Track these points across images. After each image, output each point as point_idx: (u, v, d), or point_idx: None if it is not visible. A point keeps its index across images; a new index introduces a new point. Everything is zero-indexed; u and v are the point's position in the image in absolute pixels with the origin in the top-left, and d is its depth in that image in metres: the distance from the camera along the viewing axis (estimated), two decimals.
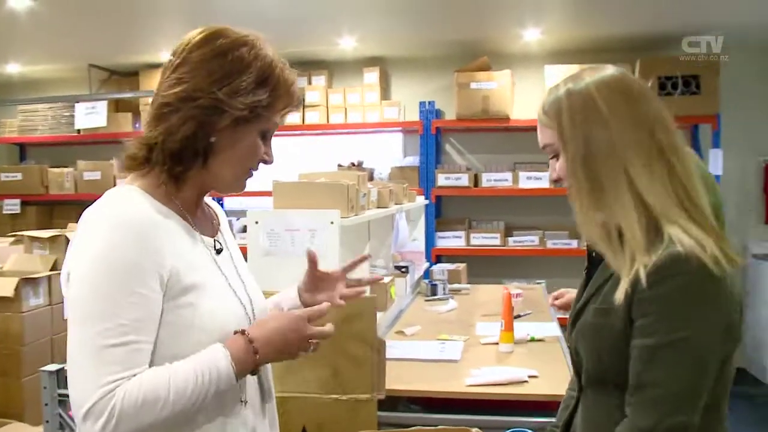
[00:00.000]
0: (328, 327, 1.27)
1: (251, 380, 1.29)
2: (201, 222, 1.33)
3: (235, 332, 1.21)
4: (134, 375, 1.10)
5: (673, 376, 1.06)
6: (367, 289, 1.59)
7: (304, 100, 5.50)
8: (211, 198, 1.43)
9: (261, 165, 1.30)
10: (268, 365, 1.35)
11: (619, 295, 1.11)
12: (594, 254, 1.28)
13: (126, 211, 1.16)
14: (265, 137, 1.28)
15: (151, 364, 1.13)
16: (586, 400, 1.26)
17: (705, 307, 1.08)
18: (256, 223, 2.19)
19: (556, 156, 1.24)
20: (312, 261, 1.48)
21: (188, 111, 1.18)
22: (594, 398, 1.23)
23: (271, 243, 2.18)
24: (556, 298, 2.38)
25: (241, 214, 2.36)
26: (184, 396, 1.11)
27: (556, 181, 1.26)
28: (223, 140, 1.22)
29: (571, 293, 2.25)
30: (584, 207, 1.19)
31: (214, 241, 1.34)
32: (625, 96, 1.18)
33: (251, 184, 1.33)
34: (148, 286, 1.12)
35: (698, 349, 1.07)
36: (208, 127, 1.19)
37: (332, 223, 2.15)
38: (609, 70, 1.23)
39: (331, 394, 1.96)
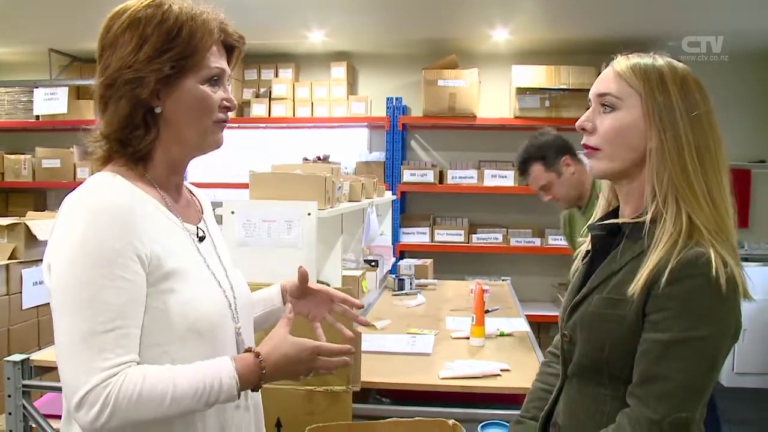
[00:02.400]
0: (338, 360, 1.30)
1: None
2: (183, 209, 1.33)
3: (247, 350, 1.23)
4: (126, 362, 1.10)
5: (684, 372, 1.10)
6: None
7: (270, 92, 5.46)
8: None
9: (226, 112, 1.28)
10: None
11: (636, 287, 1.13)
12: (598, 246, 1.29)
13: (104, 198, 1.16)
14: (216, 84, 1.26)
15: None
16: (570, 390, 1.27)
17: (720, 309, 1.11)
18: (232, 213, 2.17)
19: (607, 108, 1.23)
20: (302, 279, 1.50)
21: (117, 93, 1.19)
22: (580, 388, 1.25)
23: (247, 233, 2.16)
24: None
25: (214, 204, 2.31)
26: (182, 403, 1.12)
27: (583, 130, 1.26)
28: (168, 105, 1.21)
29: None
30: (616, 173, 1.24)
31: (197, 228, 1.33)
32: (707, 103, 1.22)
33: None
34: (131, 270, 1.12)
35: (711, 349, 1.11)
36: (138, 99, 1.19)
37: (309, 214, 2.14)
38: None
39: (306, 386, 1.95)
